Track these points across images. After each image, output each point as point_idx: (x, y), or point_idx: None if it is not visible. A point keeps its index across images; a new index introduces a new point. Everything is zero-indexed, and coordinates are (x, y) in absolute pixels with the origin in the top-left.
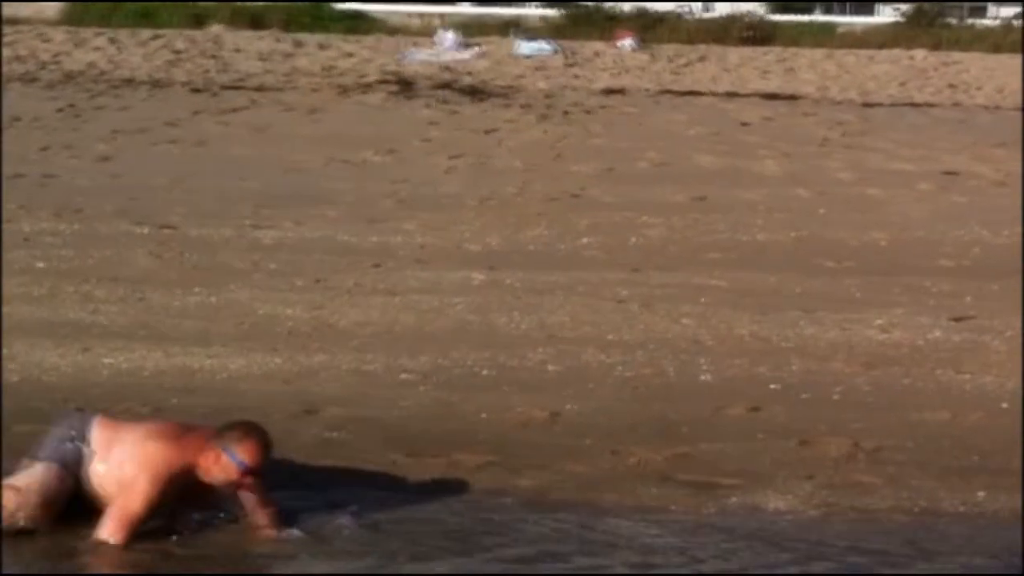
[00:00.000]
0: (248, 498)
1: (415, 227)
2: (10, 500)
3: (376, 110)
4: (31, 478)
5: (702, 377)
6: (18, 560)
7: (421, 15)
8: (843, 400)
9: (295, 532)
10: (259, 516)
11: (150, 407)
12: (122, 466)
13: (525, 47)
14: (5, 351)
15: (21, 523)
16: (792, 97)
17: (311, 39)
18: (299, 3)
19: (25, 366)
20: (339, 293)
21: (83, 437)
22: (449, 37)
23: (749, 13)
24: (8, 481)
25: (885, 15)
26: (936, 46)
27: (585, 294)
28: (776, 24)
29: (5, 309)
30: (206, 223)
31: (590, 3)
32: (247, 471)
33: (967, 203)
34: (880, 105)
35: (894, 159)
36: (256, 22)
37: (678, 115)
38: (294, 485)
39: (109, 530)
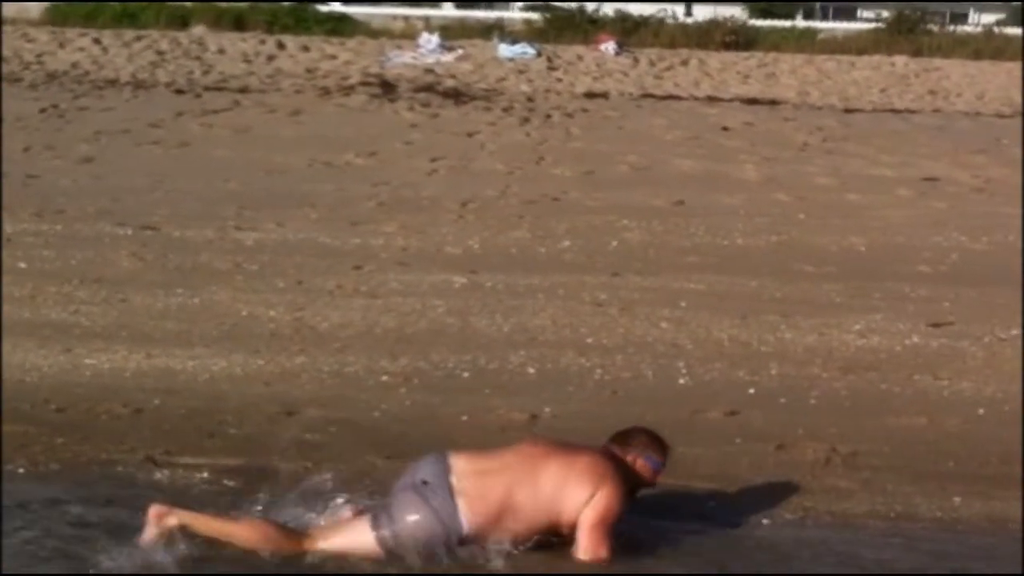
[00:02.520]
0: None
1: (396, 229)
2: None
3: (358, 112)
4: (407, 535)
5: (680, 381)
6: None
7: (405, 18)
8: (820, 405)
9: None
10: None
11: (131, 408)
12: (559, 491)
13: (507, 50)
14: None
15: None
16: (773, 102)
17: (294, 41)
18: (282, 4)
19: (7, 367)
20: (320, 295)
21: (444, 483)
22: (431, 40)
23: (731, 18)
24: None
25: (866, 21)
26: (917, 52)
27: (565, 297)
28: (758, 29)
29: None
30: (188, 224)
31: (572, 6)
32: (660, 471)
33: (946, 209)
34: (861, 111)
35: (874, 165)
36: (239, 23)
37: (659, 119)
38: None
39: (592, 549)
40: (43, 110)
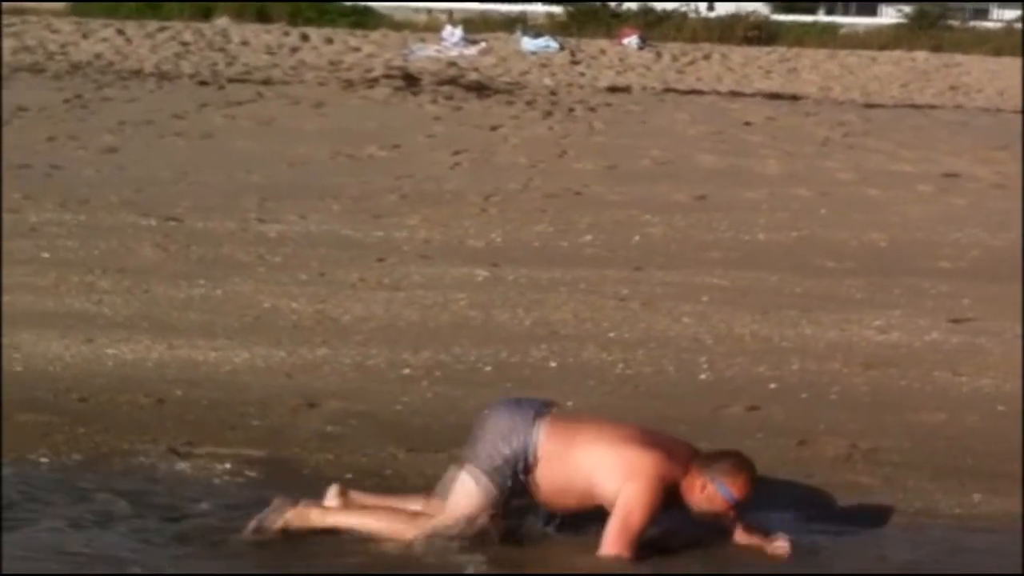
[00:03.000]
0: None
1: (419, 222)
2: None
3: (381, 105)
4: (466, 503)
5: (702, 376)
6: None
7: (428, 11)
8: (841, 400)
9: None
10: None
11: (153, 399)
12: (594, 472)
13: (530, 44)
14: (9, 341)
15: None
16: (794, 97)
17: (317, 33)
18: None
19: (29, 356)
20: (343, 287)
21: (527, 441)
22: (455, 33)
23: (753, 13)
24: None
25: (888, 16)
26: (938, 48)
27: (587, 291)
28: (780, 24)
29: (9, 299)
30: (211, 216)
31: (595, 1)
32: (735, 505)
33: (967, 205)
34: (882, 106)
35: (895, 160)
36: (263, 15)
37: (681, 114)
38: None
39: (615, 546)
40: (67, 100)
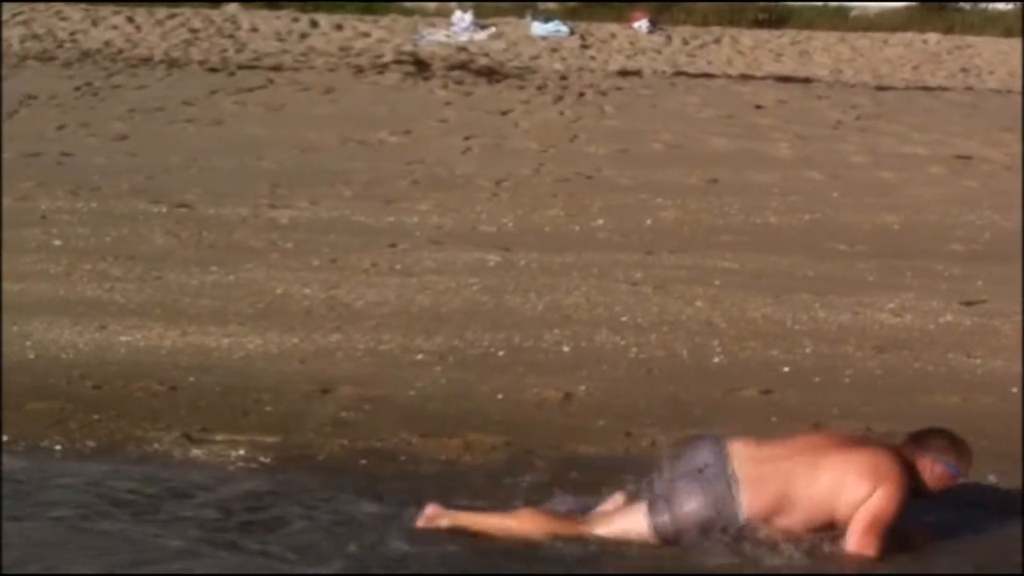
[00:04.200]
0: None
1: (430, 208)
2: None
3: (392, 90)
4: (685, 523)
5: (714, 359)
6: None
7: None
8: (854, 383)
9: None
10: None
11: (166, 385)
12: (839, 484)
13: (540, 28)
14: (22, 328)
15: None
16: (806, 80)
17: (327, 19)
18: None
19: (42, 343)
20: (355, 273)
21: (724, 469)
22: (464, 18)
23: None
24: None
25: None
26: (949, 29)
27: (599, 276)
28: (791, 8)
29: (21, 286)
30: (222, 202)
31: None
32: (958, 478)
33: (979, 187)
34: (893, 88)
35: (907, 143)
36: (272, 1)
37: (692, 97)
38: None
39: (872, 546)
40: (77, 88)
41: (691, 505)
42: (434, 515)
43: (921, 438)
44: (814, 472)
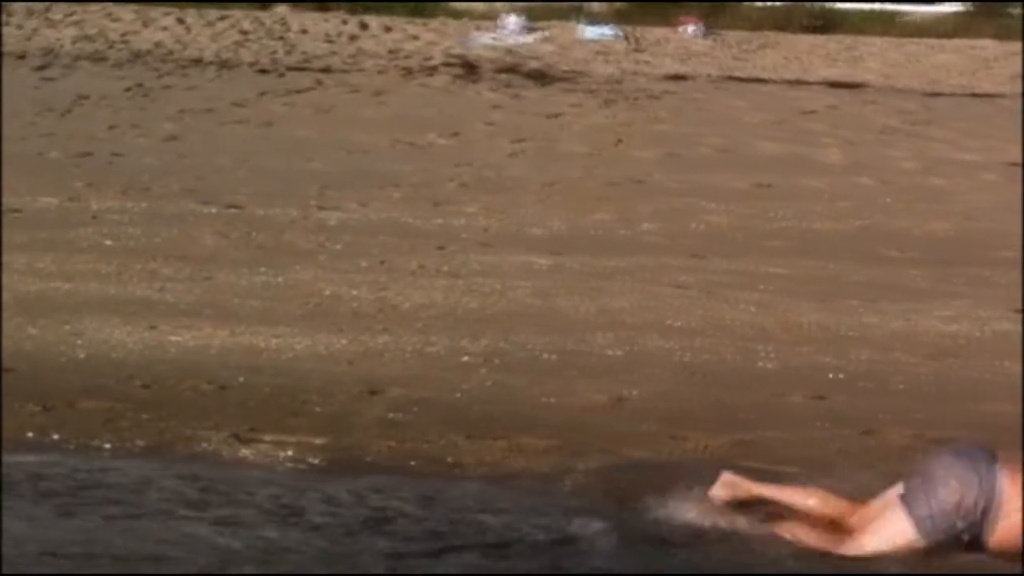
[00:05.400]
0: None
1: (478, 210)
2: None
3: (440, 93)
4: (891, 546)
5: (763, 364)
6: None
7: None
8: (906, 390)
9: None
10: None
11: (215, 385)
12: None
13: (589, 32)
14: (73, 327)
15: None
16: (856, 85)
17: (376, 21)
18: None
19: (93, 342)
20: (403, 275)
21: (990, 488)
22: (513, 21)
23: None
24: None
25: (950, 4)
26: (1000, 34)
27: (647, 280)
28: (841, 13)
29: (72, 286)
30: (272, 203)
31: None
32: None
33: None
34: (944, 95)
35: (958, 149)
36: (321, 4)
37: (741, 102)
38: None
39: None
40: (128, 89)
41: (953, 481)
42: (730, 482)
43: None
44: None
